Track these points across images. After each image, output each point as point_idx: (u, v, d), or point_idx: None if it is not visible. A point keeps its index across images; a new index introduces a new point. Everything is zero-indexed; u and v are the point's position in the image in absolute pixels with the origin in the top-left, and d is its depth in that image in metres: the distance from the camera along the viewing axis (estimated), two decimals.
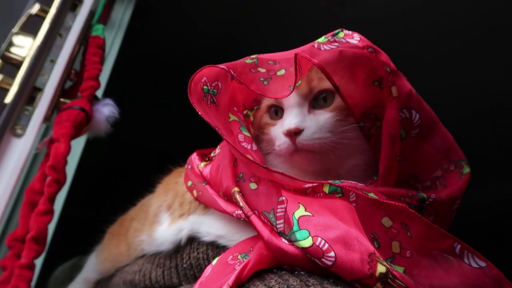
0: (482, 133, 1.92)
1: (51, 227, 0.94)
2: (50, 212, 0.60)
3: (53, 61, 0.79)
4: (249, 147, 0.52)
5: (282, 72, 0.54)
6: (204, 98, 0.52)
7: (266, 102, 0.61)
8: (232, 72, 0.52)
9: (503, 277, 0.42)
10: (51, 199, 0.61)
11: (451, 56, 1.62)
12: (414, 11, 1.48)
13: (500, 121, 1.89)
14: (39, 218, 0.58)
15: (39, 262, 0.92)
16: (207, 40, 1.72)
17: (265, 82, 0.54)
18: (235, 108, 0.57)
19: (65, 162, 0.65)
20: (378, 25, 1.51)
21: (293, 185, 0.48)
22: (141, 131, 2.20)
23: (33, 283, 0.89)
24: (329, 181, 0.46)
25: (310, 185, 0.47)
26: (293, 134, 0.52)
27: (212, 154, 0.63)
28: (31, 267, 0.58)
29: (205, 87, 0.53)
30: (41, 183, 0.62)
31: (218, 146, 0.61)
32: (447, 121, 0.57)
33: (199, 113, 0.51)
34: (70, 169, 1.00)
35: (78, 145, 1.04)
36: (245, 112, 0.63)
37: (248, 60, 0.55)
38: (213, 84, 0.54)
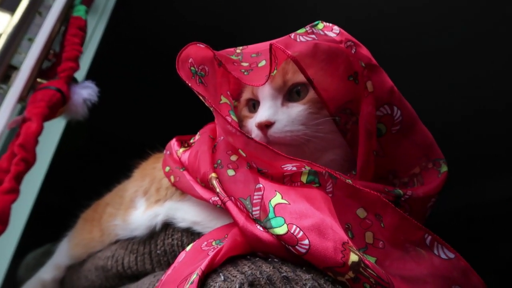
0: (475, 134, 1.95)
1: (26, 213, 0.92)
2: (15, 191, 0.57)
3: (31, 40, 0.76)
4: (233, 130, 0.51)
5: (263, 63, 0.53)
6: (193, 78, 0.52)
7: (245, 95, 0.61)
8: (219, 59, 0.52)
9: (470, 268, 0.44)
10: (18, 178, 0.58)
11: (447, 55, 1.63)
12: (406, 9, 1.49)
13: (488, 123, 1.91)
14: (2, 197, 0.55)
15: (11, 248, 0.90)
16: (192, 29, 1.69)
17: (245, 73, 0.53)
18: (228, 92, 0.57)
19: (36, 142, 0.62)
20: (368, 22, 1.51)
21: (271, 169, 0.47)
22: (122, 119, 2.16)
23: (5, 268, 0.87)
24: (310, 162, 0.46)
25: (290, 166, 0.47)
26: (264, 127, 0.52)
27: (191, 141, 0.62)
28: None
29: (192, 68, 0.53)
30: (9, 162, 0.59)
31: (198, 133, 0.61)
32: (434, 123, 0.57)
33: (188, 84, 0.50)
34: (47, 155, 0.97)
35: (57, 130, 1.01)
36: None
37: (233, 56, 0.55)
38: (200, 67, 0.53)
